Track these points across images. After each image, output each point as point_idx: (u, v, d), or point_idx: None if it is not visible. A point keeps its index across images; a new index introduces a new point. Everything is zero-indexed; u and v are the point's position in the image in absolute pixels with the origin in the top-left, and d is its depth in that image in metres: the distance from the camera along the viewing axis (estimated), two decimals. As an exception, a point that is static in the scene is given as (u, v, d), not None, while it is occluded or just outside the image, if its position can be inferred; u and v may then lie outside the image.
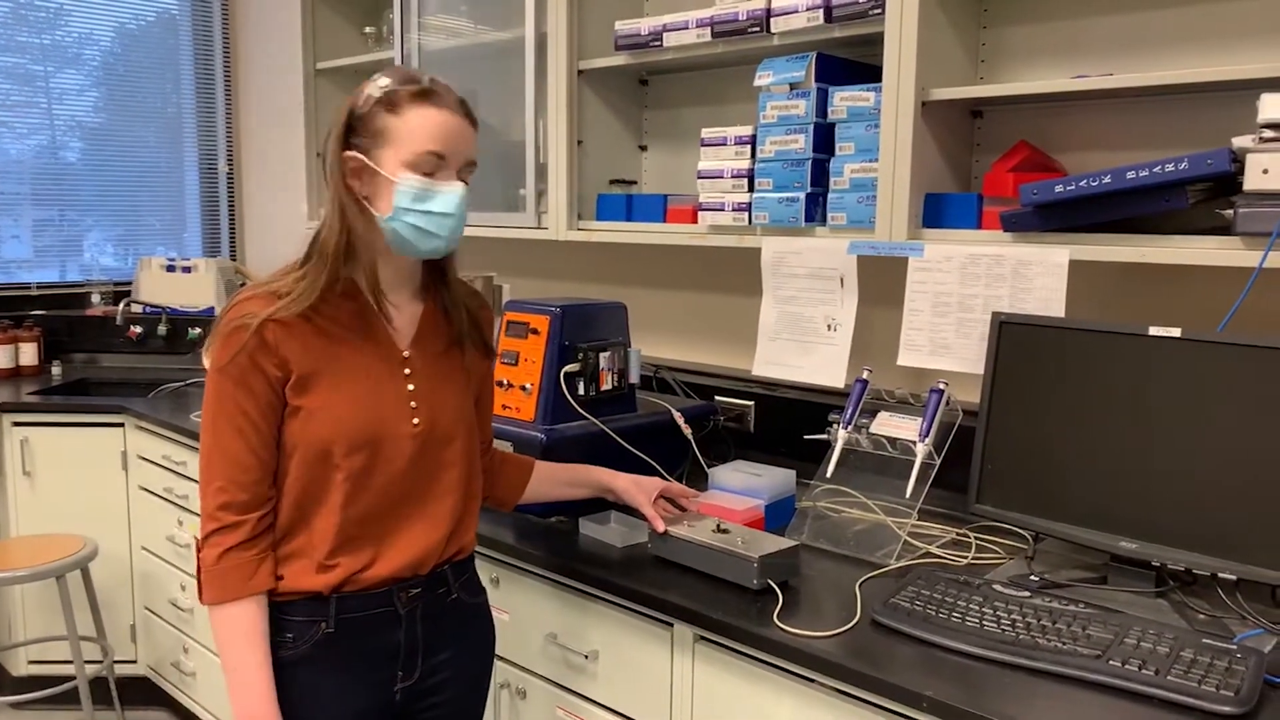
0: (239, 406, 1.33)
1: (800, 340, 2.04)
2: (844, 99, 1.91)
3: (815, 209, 1.97)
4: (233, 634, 1.33)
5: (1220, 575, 1.45)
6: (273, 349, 1.33)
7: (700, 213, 2.14)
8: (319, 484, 1.36)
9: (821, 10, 1.91)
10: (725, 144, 2.10)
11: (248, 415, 1.33)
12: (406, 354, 1.43)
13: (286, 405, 1.36)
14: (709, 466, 2.02)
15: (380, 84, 1.34)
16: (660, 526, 1.67)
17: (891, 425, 1.83)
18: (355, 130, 1.35)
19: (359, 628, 1.40)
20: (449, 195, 1.34)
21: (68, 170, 3.87)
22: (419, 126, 1.32)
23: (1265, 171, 1.43)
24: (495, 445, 1.71)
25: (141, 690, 3.25)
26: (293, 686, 1.37)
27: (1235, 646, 1.31)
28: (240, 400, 1.33)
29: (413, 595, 1.43)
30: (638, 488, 1.72)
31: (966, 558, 1.74)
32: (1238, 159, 1.47)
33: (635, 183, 2.58)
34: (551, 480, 1.72)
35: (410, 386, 1.42)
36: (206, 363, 1.36)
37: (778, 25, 1.99)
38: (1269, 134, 1.43)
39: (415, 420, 1.41)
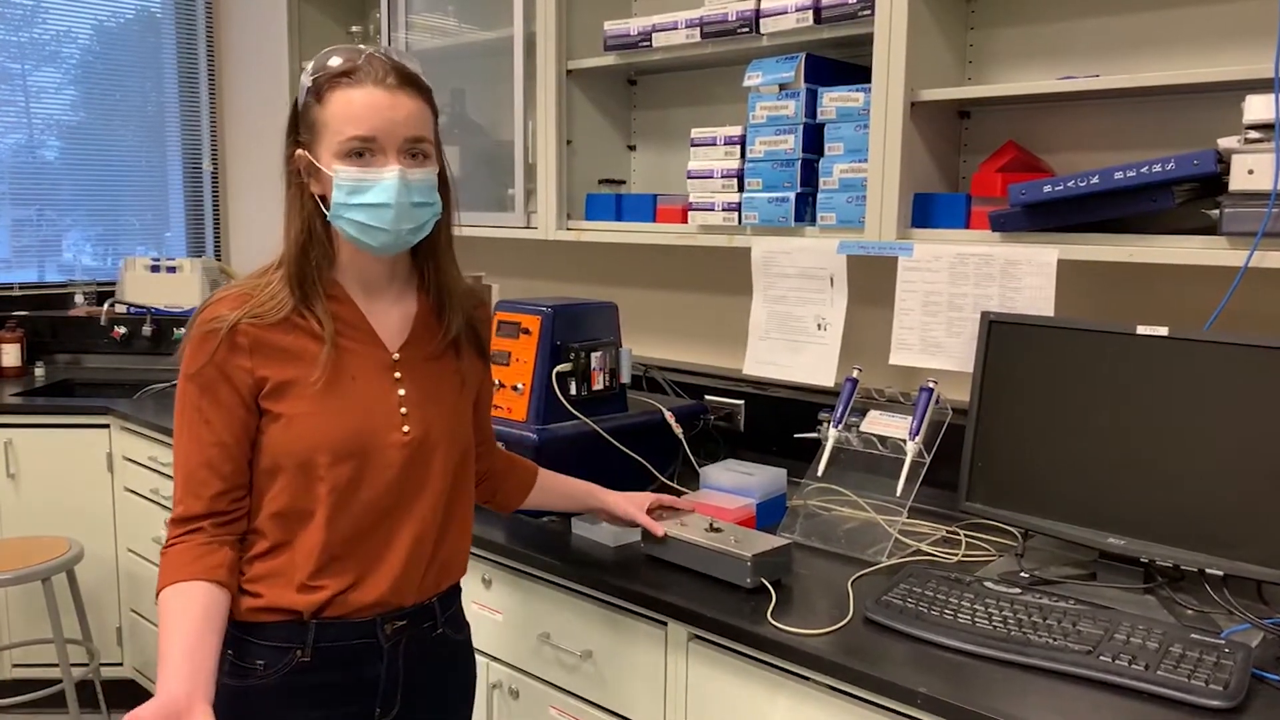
0: (202, 416, 1.25)
1: (790, 339, 2.05)
2: (833, 99, 1.92)
3: (805, 209, 1.98)
4: (161, 614, 1.20)
5: (1207, 571, 1.47)
6: (245, 354, 1.25)
7: (690, 212, 2.15)
8: (303, 497, 1.27)
9: (811, 11, 1.91)
10: (715, 144, 2.10)
11: (211, 426, 1.25)
12: (396, 357, 1.34)
13: (263, 414, 1.27)
14: (700, 466, 2.03)
15: (309, 72, 1.25)
16: (660, 531, 1.65)
17: (882, 424, 1.84)
18: (297, 126, 1.28)
19: (338, 658, 1.31)
20: (383, 184, 1.23)
21: (46, 169, 3.83)
22: (340, 112, 1.22)
23: (1250, 172, 1.44)
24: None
25: (128, 693, 3.22)
26: (259, 718, 1.29)
27: (1223, 641, 1.33)
28: (205, 410, 1.25)
29: (398, 628, 1.35)
30: (629, 503, 1.68)
31: (957, 555, 1.75)
32: (1223, 160, 1.48)
33: (624, 182, 2.59)
34: (551, 491, 1.68)
35: (401, 392, 1.33)
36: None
37: (767, 26, 1.99)
38: (1254, 135, 1.45)
39: (405, 428, 1.32)
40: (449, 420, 1.38)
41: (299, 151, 1.27)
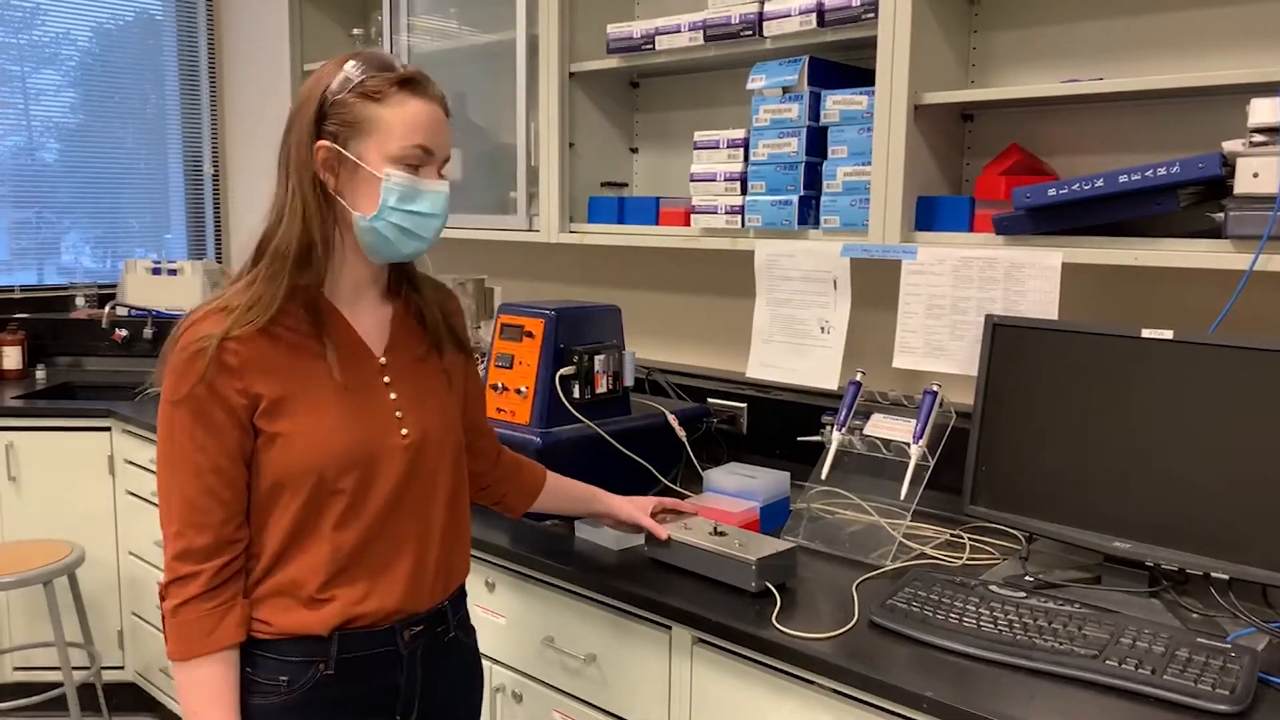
0: (196, 443, 1.21)
1: (794, 342, 2.05)
2: (836, 102, 1.92)
3: (808, 212, 1.98)
4: (194, 694, 1.22)
5: (1212, 574, 1.47)
6: (235, 373, 1.21)
7: (693, 215, 2.14)
8: (312, 513, 1.25)
9: (814, 14, 1.91)
10: (718, 147, 2.10)
11: (206, 452, 1.21)
12: (384, 361, 1.33)
13: (258, 435, 1.24)
14: (703, 469, 2.03)
15: (358, 68, 1.23)
16: (663, 534, 1.65)
17: (885, 427, 1.84)
18: (328, 118, 1.22)
19: (360, 669, 1.30)
20: (436, 195, 1.26)
21: (45, 171, 3.83)
22: (406, 117, 1.22)
23: (1255, 175, 1.44)
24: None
25: (129, 696, 3.22)
26: None
27: (1229, 645, 1.33)
28: (198, 436, 1.21)
29: (415, 633, 1.34)
30: (633, 506, 1.69)
31: (961, 559, 1.75)
32: (1228, 163, 1.48)
33: (626, 185, 2.59)
34: (555, 493, 1.67)
35: (393, 395, 1.32)
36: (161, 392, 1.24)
37: (770, 29, 1.99)
38: (1259, 138, 1.45)
39: (404, 431, 1.31)
40: (442, 420, 1.37)
41: (324, 143, 1.23)
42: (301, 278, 1.24)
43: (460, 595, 1.45)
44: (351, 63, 1.25)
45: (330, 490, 1.25)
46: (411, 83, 1.24)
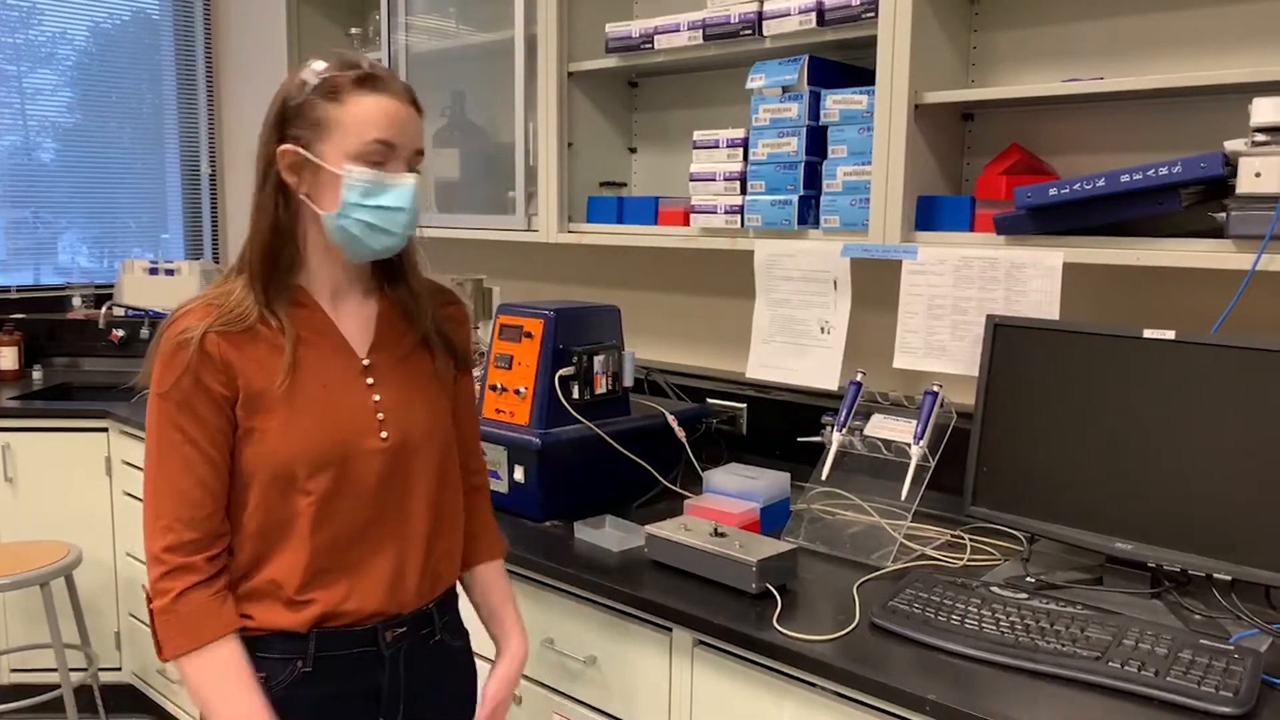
0: (184, 434, 1.22)
1: (794, 343, 2.04)
2: (836, 102, 1.92)
3: (808, 211, 1.98)
4: (216, 680, 1.20)
5: (1215, 575, 1.47)
6: (218, 365, 1.22)
7: (692, 215, 2.14)
8: (283, 511, 1.25)
9: (814, 13, 1.91)
10: (717, 146, 2.09)
11: (195, 443, 1.22)
12: (367, 361, 1.32)
13: (238, 428, 1.24)
14: (703, 469, 2.03)
15: (317, 69, 1.24)
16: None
17: (886, 428, 1.83)
18: (290, 121, 1.24)
19: (339, 668, 1.29)
20: (402, 189, 1.25)
21: (42, 171, 3.82)
22: (363, 114, 1.22)
23: (1258, 175, 1.44)
24: (488, 483, 1.56)
25: (126, 698, 3.21)
26: None
27: (1232, 647, 1.32)
28: (185, 427, 1.22)
29: (398, 635, 1.33)
30: (494, 682, 1.47)
31: (962, 560, 1.75)
32: (1230, 162, 1.48)
33: (625, 185, 2.58)
34: (485, 589, 1.51)
35: (375, 396, 1.31)
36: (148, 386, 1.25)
37: (770, 28, 1.99)
38: (1261, 138, 1.44)
39: (383, 433, 1.30)
40: (428, 421, 1.35)
41: (287, 146, 1.24)
42: (278, 278, 1.27)
43: (448, 598, 1.43)
44: (314, 65, 1.25)
45: (302, 489, 1.25)
46: (370, 79, 1.24)
